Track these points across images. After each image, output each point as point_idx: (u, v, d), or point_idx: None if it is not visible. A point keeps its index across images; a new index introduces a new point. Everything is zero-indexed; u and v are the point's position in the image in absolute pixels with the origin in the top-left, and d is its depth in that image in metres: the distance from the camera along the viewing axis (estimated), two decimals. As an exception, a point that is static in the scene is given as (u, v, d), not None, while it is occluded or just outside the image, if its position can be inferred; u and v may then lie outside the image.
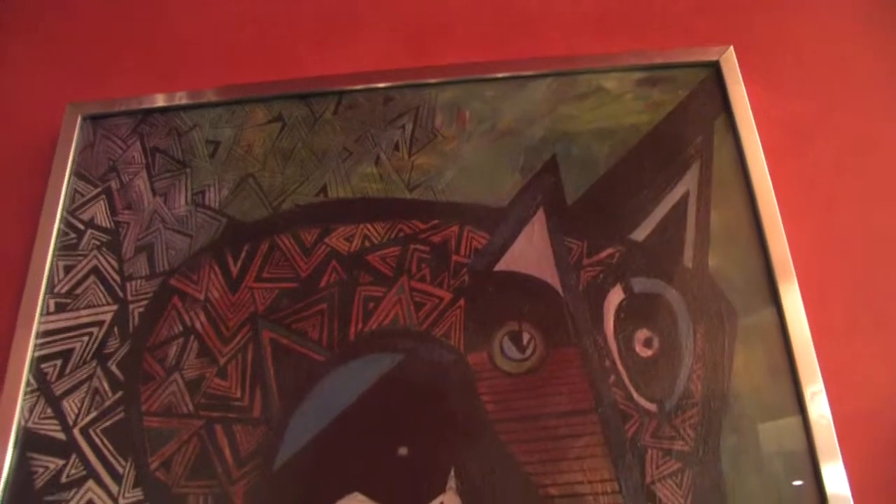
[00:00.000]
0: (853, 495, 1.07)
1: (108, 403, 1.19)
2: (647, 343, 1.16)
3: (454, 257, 1.22)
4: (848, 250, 1.24)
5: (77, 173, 1.36)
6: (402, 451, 1.12)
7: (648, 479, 1.09)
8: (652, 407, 1.13)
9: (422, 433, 1.13)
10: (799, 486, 1.08)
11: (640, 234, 1.23)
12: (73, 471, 1.16)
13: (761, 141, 1.28)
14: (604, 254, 1.21)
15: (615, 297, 1.19)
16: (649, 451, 1.11)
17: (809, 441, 1.10)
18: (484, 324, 1.18)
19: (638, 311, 1.18)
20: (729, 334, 1.16)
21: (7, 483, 1.15)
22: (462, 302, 1.19)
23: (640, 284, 1.19)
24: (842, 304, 1.20)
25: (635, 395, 1.13)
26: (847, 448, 1.10)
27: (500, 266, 1.21)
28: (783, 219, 1.22)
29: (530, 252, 1.22)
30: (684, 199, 1.24)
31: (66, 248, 1.30)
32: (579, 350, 1.16)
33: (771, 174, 1.25)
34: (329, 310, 1.21)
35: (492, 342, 1.16)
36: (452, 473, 1.10)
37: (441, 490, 1.10)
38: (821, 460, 1.09)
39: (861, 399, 1.15)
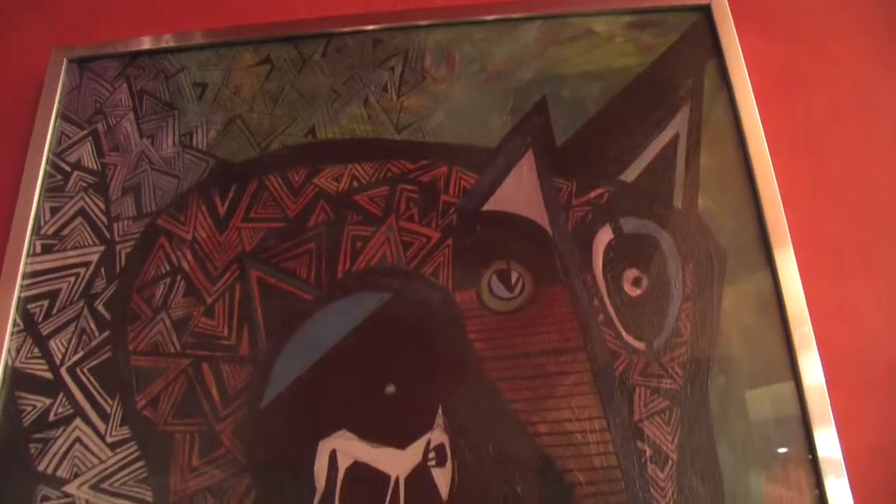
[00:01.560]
0: (838, 429, 1.02)
1: (94, 343, 1.14)
2: (636, 282, 1.10)
3: (443, 197, 1.16)
4: (839, 194, 1.18)
5: (63, 116, 1.29)
6: (390, 389, 1.07)
7: (637, 417, 1.04)
8: (640, 346, 1.07)
9: (409, 371, 1.08)
10: (787, 418, 1.02)
11: (629, 175, 1.17)
12: (60, 409, 1.11)
13: (752, 85, 1.22)
14: (593, 194, 1.16)
15: (604, 236, 1.13)
16: (637, 390, 1.06)
17: (797, 380, 1.05)
18: (472, 263, 1.12)
19: (627, 251, 1.13)
20: (718, 275, 1.11)
21: (-5, 422, 1.09)
22: (450, 241, 1.14)
23: (629, 224, 1.14)
24: (832, 246, 1.15)
25: (624, 334, 1.08)
26: (834, 387, 1.05)
27: (489, 206, 1.15)
28: (774, 162, 1.17)
29: (519, 192, 1.16)
30: (674, 142, 1.18)
31: (53, 189, 1.23)
32: (568, 289, 1.10)
33: (762, 118, 1.19)
34: (317, 249, 1.15)
35: (480, 281, 1.11)
36: (440, 411, 1.05)
37: (428, 428, 1.05)
38: (808, 400, 1.04)
39: (850, 339, 1.11)
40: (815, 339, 1.07)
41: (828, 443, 1.02)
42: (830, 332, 1.09)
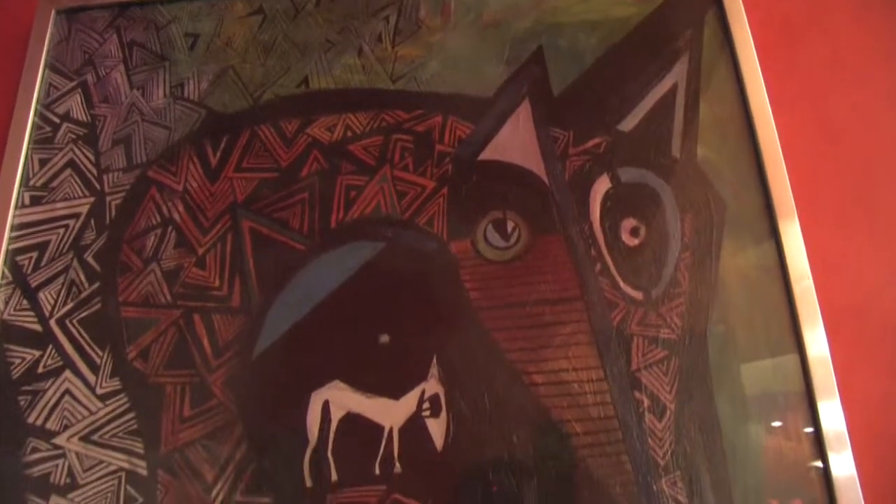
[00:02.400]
0: (837, 375, 0.99)
1: (84, 294, 1.10)
2: (634, 232, 1.06)
3: (438, 147, 1.12)
4: (839, 144, 1.14)
5: (52, 67, 1.24)
6: (384, 338, 1.03)
7: (634, 367, 1.01)
8: (638, 295, 1.04)
9: (403, 321, 1.04)
10: (785, 367, 0.99)
11: (627, 124, 1.13)
12: (49, 361, 1.07)
13: (753, 35, 1.17)
14: (590, 143, 1.11)
15: (601, 186, 1.09)
16: (635, 339, 1.02)
17: (797, 331, 1.02)
18: (467, 212, 1.08)
19: (625, 201, 1.09)
20: (717, 225, 1.07)
21: (-17, 374, 1.05)
22: (445, 190, 1.09)
23: (627, 174, 1.10)
24: (832, 196, 1.11)
25: (622, 284, 1.04)
26: (835, 339, 1.01)
27: (485, 155, 1.11)
28: (774, 112, 1.12)
29: (515, 142, 1.12)
30: (672, 91, 1.14)
31: (41, 141, 1.19)
32: (565, 238, 1.06)
33: (762, 68, 1.15)
34: (310, 199, 1.11)
35: (475, 230, 1.07)
36: (434, 361, 1.01)
37: (423, 378, 1.01)
38: (807, 348, 1.00)
39: (850, 291, 1.07)
40: (816, 290, 1.03)
41: (828, 404, 0.98)
42: (831, 284, 1.05)
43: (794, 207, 1.07)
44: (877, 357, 1.05)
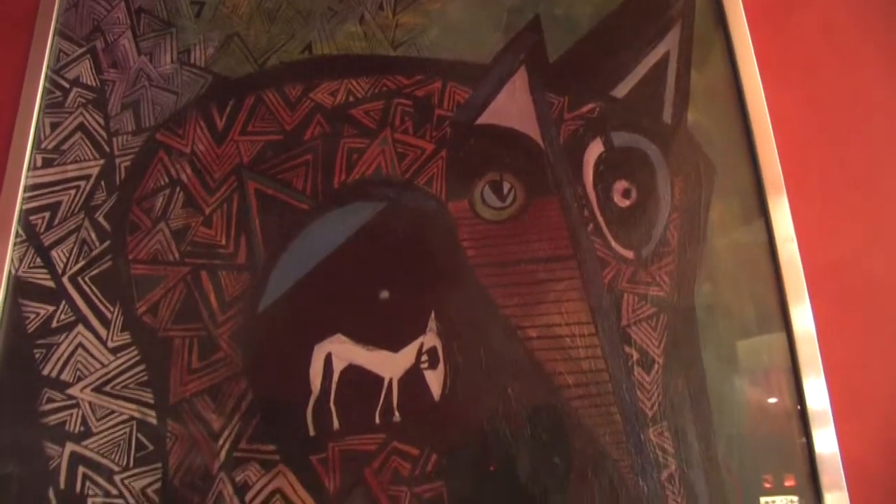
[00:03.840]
0: (818, 337, 1.00)
1: (95, 253, 1.11)
2: (626, 194, 1.07)
3: (437, 111, 1.13)
4: (826, 110, 1.15)
5: (61, 33, 1.24)
6: (384, 294, 1.04)
7: (624, 322, 1.02)
8: (629, 254, 1.05)
9: (403, 278, 1.05)
10: (769, 327, 1.00)
11: (620, 90, 1.13)
12: (63, 316, 1.08)
13: (744, 4, 1.18)
14: (584, 109, 1.12)
15: (595, 149, 1.10)
16: (626, 296, 1.03)
17: (780, 289, 1.03)
18: (465, 173, 1.09)
19: (617, 164, 1.10)
20: (706, 187, 1.08)
21: (0, 328, 1.06)
22: (444, 153, 1.10)
23: (619, 138, 1.10)
24: (819, 162, 1.12)
25: (613, 243, 1.05)
26: (816, 294, 1.03)
27: (482, 119, 1.12)
28: (763, 80, 1.13)
29: (512, 106, 1.12)
30: (665, 59, 1.15)
31: (52, 105, 1.19)
32: (559, 199, 1.07)
33: (752, 37, 1.16)
34: (313, 161, 1.11)
35: (472, 191, 1.08)
36: (433, 316, 1.03)
37: (421, 332, 1.03)
38: (790, 305, 1.01)
39: (832, 251, 1.08)
40: (799, 251, 1.04)
41: (807, 341, 0.99)
42: (814, 246, 1.06)
43: (781, 172, 1.08)
44: (858, 316, 1.06)
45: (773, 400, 1.00)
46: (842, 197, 1.10)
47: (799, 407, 0.99)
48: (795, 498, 0.95)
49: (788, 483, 0.96)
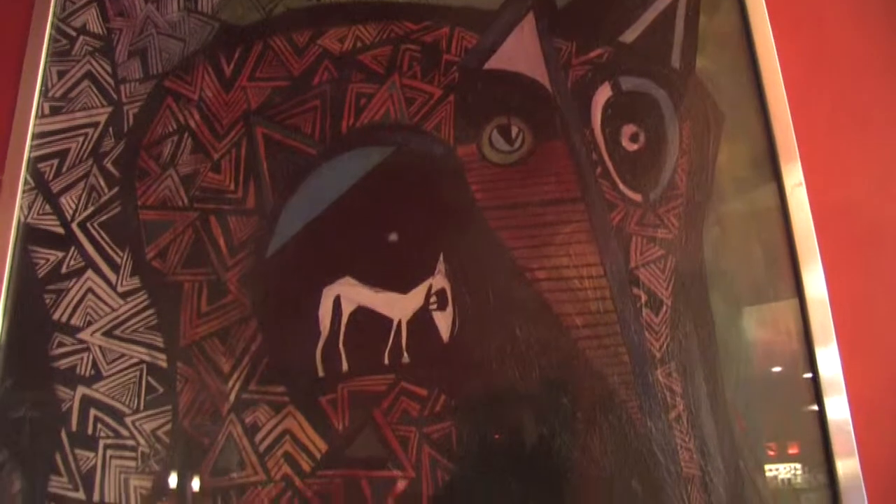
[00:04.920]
0: (825, 270, 0.99)
1: (104, 199, 1.09)
2: (634, 138, 1.05)
3: (445, 56, 1.11)
4: (836, 56, 1.12)
5: (67, -18, 1.21)
6: (392, 237, 1.03)
7: (633, 264, 1.01)
8: (637, 197, 1.03)
9: (411, 220, 1.04)
10: (777, 271, 0.99)
11: (628, 36, 1.11)
12: (72, 262, 1.07)
13: (752, -51, 1.14)
14: (592, 54, 1.10)
15: (603, 94, 1.08)
16: (634, 239, 1.02)
17: (789, 234, 1.01)
18: (473, 118, 1.07)
19: (625, 108, 1.08)
20: (714, 131, 1.06)
21: (10, 273, 1.06)
22: (452, 98, 1.08)
23: (628, 83, 1.08)
24: (827, 105, 1.10)
25: (621, 186, 1.03)
26: (824, 238, 1.01)
27: (490, 64, 1.10)
28: (773, 25, 1.11)
29: (520, 52, 1.10)
30: (674, 5, 1.13)
31: (59, 54, 1.17)
32: (567, 143, 1.05)
33: (762, -20, 1.12)
34: (321, 106, 1.09)
35: (481, 135, 1.06)
36: (441, 258, 1.01)
37: (430, 274, 1.01)
38: (798, 249, 1.00)
39: (840, 194, 1.06)
40: (807, 193, 1.02)
41: (815, 283, 0.98)
42: (823, 188, 1.04)
43: (790, 117, 1.05)
44: (865, 259, 1.04)
45: (780, 338, 0.97)
46: (849, 136, 1.08)
47: (806, 347, 0.97)
48: (799, 465, 0.94)
49: (792, 451, 0.94)
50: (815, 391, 0.94)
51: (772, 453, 0.94)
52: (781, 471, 0.94)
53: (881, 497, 0.92)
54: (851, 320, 0.98)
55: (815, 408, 0.95)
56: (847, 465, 0.92)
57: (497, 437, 0.96)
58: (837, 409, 0.94)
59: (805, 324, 0.98)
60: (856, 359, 0.96)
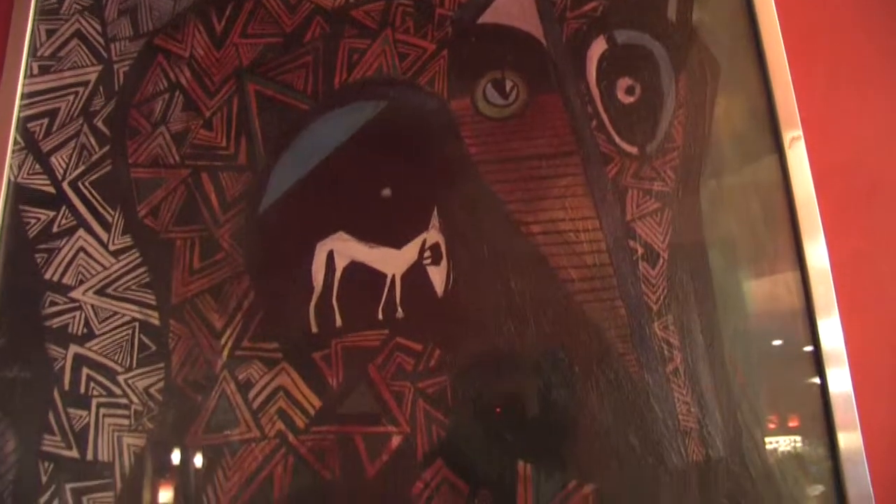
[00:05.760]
0: (826, 234, 0.96)
1: (95, 158, 1.07)
2: (629, 91, 1.03)
3: (438, 10, 1.08)
4: (836, 8, 1.09)
5: (55, -60, 1.18)
6: (386, 192, 1.00)
7: (629, 217, 0.98)
8: (633, 150, 1.01)
9: (405, 175, 1.02)
10: (774, 224, 0.96)
11: (623, -12, 1.08)
12: (63, 221, 1.05)
13: None
14: (587, 7, 1.07)
15: (598, 47, 1.05)
16: (630, 191, 0.99)
17: (786, 186, 0.99)
18: (467, 72, 1.05)
19: (620, 61, 1.05)
20: (711, 84, 1.04)
21: (1, 234, 1.04)
22: (445, 52, 1.06)
23: (623, 36, 1.06)
24: (826, 58, 1.07)
25: (617, 139, 1.01)
26: (823, 193, 0.98)
27: (484, 18, 1.07)
28: (770, -23, 1.06)
29: (514, 5, 1.08)
30: (669, -43, 1.09)
31: (47, 12, 1.15)
32: (562, 97, 1.03)
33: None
34: (314, 62, 1.07)
35: (475, 89, 1.03)
36: (435, 212, 0.99)
37: (424, 228, 0.99)
38: (796, 201, 0.97)
39: (839, 150, 1.03)
40: (806, 145, 1.00)
41: (813, 238, 0.96)
42: (820, 140, 1.01)
43: (789, 70, 1.03)
44: (863, 214, 1.02)
45: (778, 291, 0.95)
46: (848, 88, 1.05)
47: (806, 305, 0.94)
48: (799, 438, 0.91)
49: (792, 423, 0.92)
50: (812, 333, 0.92)
51: (772, 426, 0.92)
52: (782, 443, 0.91)
53: (883, 469, 0.90)
54: (851, 279, 0.95)
55: (813, 350, 0.92)
56: (849, 438, 0.89)
57: (492, 391, 0.94)
58: (839, 378, 0.91)
59: (804, 277, 0.95)
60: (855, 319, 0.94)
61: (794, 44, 1.04)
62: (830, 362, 0.91)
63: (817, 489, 0.90)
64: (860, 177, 1.03)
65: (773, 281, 0.97)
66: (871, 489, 0.88)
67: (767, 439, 0.91)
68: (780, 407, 0.92)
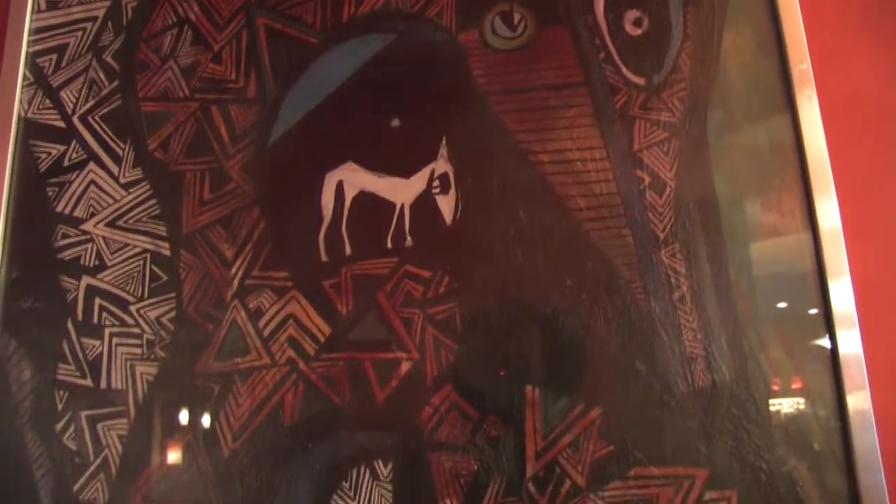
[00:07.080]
0: (832, 162, 0.95)
1: (105, 92, 1.06)
2: (637, 22, 1.01)
3: (446, -57, 1.06)
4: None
5: None
6: (395, 122, 0.99)
7: (636, 147, 0.97)
8: (640, 81, 0.99)
9: (414, 106, 1.00)
10: (778, 154, 0.96)
11: (631, -78, 1.06)
12: (74, 155, 1.04)
13: None
14: (596, -61, 1.05)
15: (606, -21, 1.03)
16: (637, 122, 0.98)
17: (793, 114, 0.98)
18: (475, 5, 1.03)
19: (628, -7, 1.03)
20: (719, 15, 1.02)
21: (13, 168, 1.03)
22: (454, -15, 1.04)
23: (631, -32, 1.03)
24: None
25: (624, 70, 1.00)
26: (830, 123, 0.97)
27: (492, -49, 1.05)
28: None
29: (522, -62, 1.05)
30: None
31: (57, -51, 1.12)
32: (570, 28, 1.01)
33: None
34: (322, -5, 1.05)
35: (483, 22, 1.02)
36: (444, 142, 0.98)
37: (433, 158, 0.98)
38: (803, 128, 0.96)
39: (846, 80, 1.01)
40: (814, 78, 0.98)
41: (819, 168, 0.94)
42: (829, 72, 1.00)
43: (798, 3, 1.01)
44: (871, 146, 1.01)
45: (784, 221, 0.94)
46: (858, 26, 1.04)
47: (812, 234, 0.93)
48: (802, 400, 0.91)
49: (795, 385, 0.91)
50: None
51: (776, 388, 0.91)
52: (784, 405, 0.91)
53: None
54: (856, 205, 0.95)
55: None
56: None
57: (500, 318, 0.93)
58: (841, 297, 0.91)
59: (809, 207, 0.94)
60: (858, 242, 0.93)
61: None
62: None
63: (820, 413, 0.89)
64: (869, 108, 1.01)
65: (780, 210, 0.96)
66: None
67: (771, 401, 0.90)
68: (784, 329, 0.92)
